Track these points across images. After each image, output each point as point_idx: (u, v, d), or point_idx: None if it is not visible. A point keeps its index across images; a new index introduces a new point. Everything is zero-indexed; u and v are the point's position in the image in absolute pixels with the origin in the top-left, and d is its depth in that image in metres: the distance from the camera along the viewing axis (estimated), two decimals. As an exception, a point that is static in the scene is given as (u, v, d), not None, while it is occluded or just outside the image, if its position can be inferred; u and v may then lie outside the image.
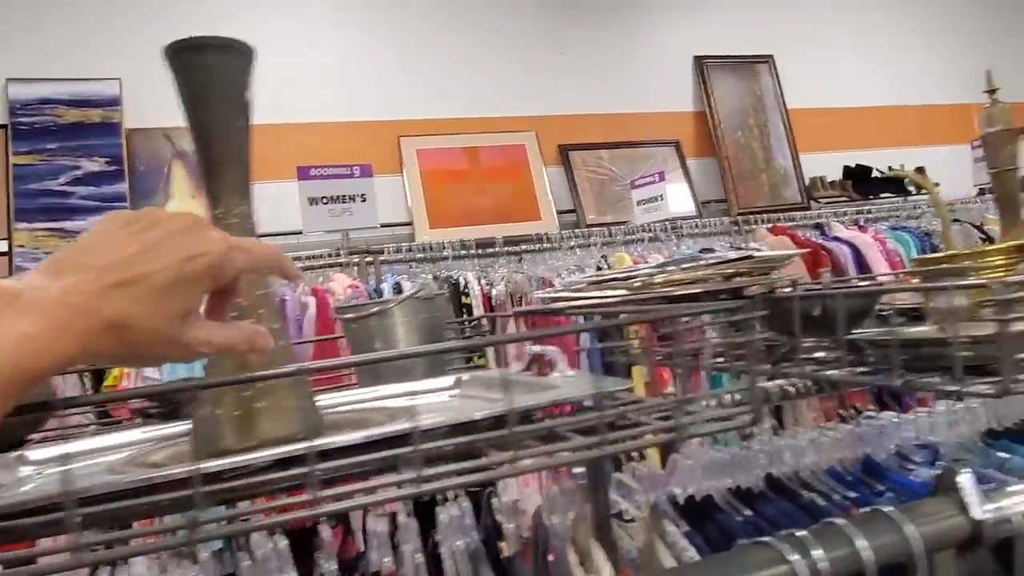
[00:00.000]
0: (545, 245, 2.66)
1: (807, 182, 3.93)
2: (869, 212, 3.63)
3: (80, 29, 3.15)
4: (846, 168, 3.90)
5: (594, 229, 2.83)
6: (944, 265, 0.62)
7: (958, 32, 4.52)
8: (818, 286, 0.80)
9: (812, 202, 3.85)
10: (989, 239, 3.01)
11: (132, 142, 3.25)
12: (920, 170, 3.90)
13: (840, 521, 0.43)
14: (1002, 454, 1.00)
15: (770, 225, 2.91)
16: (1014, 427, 1.07)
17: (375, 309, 0.71)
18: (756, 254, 0.72)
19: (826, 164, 4.00)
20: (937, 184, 3.93)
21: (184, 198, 3.29)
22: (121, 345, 0.38)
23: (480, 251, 2.59)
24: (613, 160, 3.94)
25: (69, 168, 3.17)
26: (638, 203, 2.89)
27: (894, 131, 4.12)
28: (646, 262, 2.43)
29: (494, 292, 2.18)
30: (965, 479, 0.43)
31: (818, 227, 3.17)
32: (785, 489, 0.92)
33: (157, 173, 3.30)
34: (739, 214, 3.61)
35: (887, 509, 0.44)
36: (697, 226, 2.83)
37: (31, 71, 3.11)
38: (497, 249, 2.55)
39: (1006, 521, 0.45)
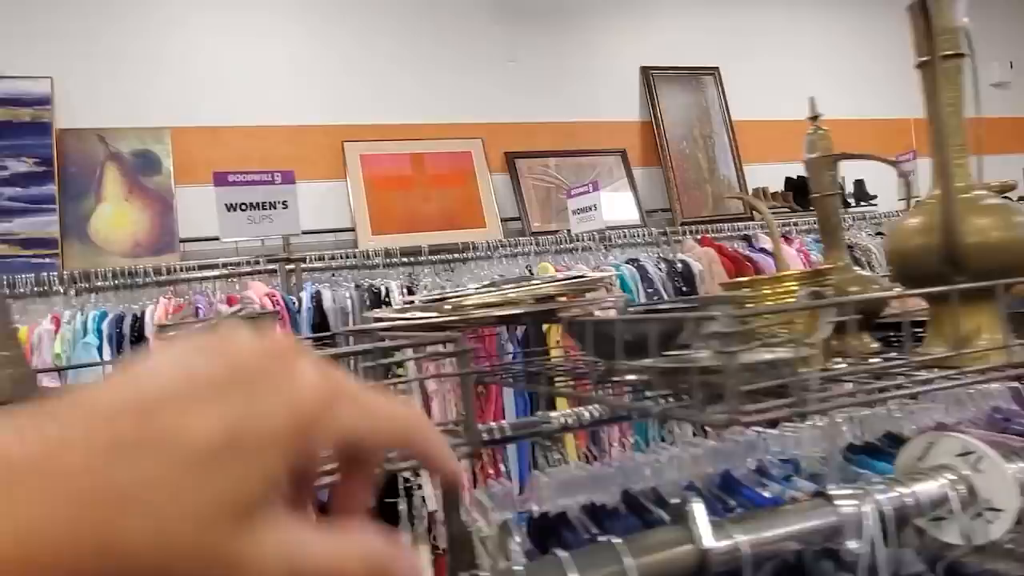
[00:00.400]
0: (473, 254, 2.65)
1: (750, 193, 3.98)
2: (811, 223, 3.68)
3: (9, 26, 3.08)
4: (788, 180, 3.96)
5: (523, 239, 2.83)
6: (744, 290, 0.62)
7: (901, 47, 4.60)
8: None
9: (755, 213, 3.90)
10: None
11: (63, 143, 3.17)
12: (859, 183, 3.98)
13: (562, 554, 0.43)
14: (859, 469, 1.01)
15: (699, 236, 2.94)
16: (875, 442, 1.09)
17: (197, 327, 0.69)
18: (577, 276, 0.72)
19: (770, 175, 4.05)
20: (874, 196, 4.02)
21: (117, 201, 3.22)
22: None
23: (408, 259, 2.57)
24: (560, 168, 3.96)
25: (-4, 168, 3.09)
26: (574, 212, 2.90)
27: (836, 144, 4.18)
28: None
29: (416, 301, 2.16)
30: (696, 509, 0.43)
31: (745, 239, 3.21)
32: (638, 506, 0.92)
33: (89, 175, 3.23)
34: (683, 223, 3.65)
35: (616, 540, 0.44)
36: (625, 236, 2.84)
37: (-44, 69, 3.03)
38: (423, 258, 2.53)
39: (735, 550, 0.45)
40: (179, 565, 0.22)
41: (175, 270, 2.44)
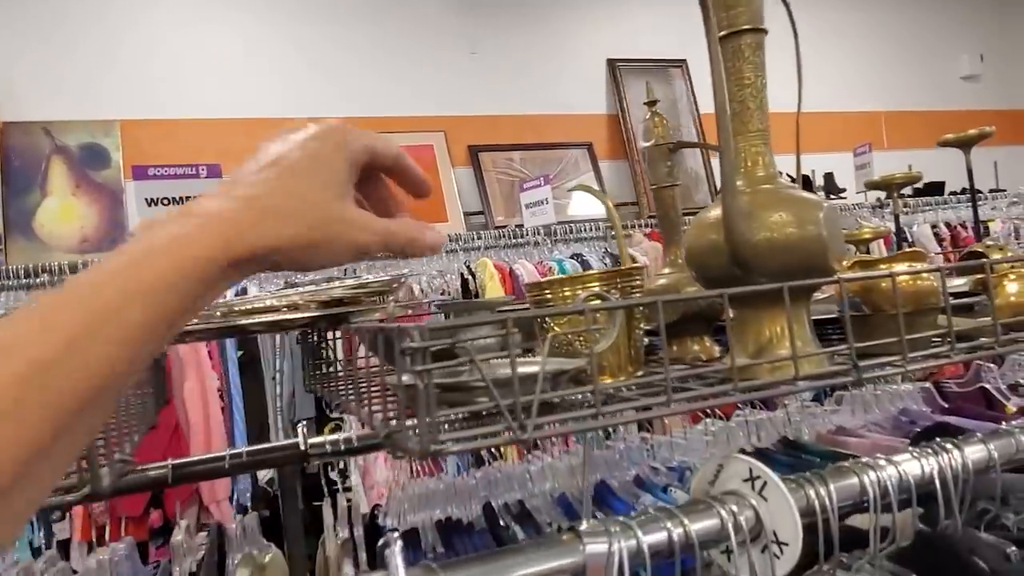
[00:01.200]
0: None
1: (718, 185, 3.92)
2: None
3: (-50, 16, 2.99)
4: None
5: (463, 233, 2.76)
6: (545, 292, 0.56)
7: (868, 43, 4.56)
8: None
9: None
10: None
11: (7, 136, 3.09)
12: (828, 176, 3.92)
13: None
14: (745, 479, 0.96)
15: (648, 230, 2.88)
16: (770, 448, 1.03)
17: None
18: (370, 280, 0.66)
19: (738, 169, 3.99)
20: (843, 190, 3.96)
21: (63, 195, 3.14)
22: (277, 231, 0.40)
23: None
24: (524, 162, 3.90)
25: (-64, 162, 3.01)
26: (526, 206, 2.83)
27: (806, 137, 4.13)
28: (511, 269, 2.37)
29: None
30: (393, 549, 0.37)
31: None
32: (495, 522, 0.86)
33: (34, 169, 3.15)
34: (650, 216, 3.58)
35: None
36: (572, 231, 2.78)
37: None
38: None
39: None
40: (317, 225, 0.42)
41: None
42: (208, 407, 1.81)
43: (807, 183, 3.87)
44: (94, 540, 1.89)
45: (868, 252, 3.15)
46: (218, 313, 0.57)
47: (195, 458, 0.79)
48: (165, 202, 2.09)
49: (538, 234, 2.69)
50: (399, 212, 0.52)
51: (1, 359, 0.31)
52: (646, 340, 0.77)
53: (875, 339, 0.51)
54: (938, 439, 0.55)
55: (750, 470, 0.46)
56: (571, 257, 2.52)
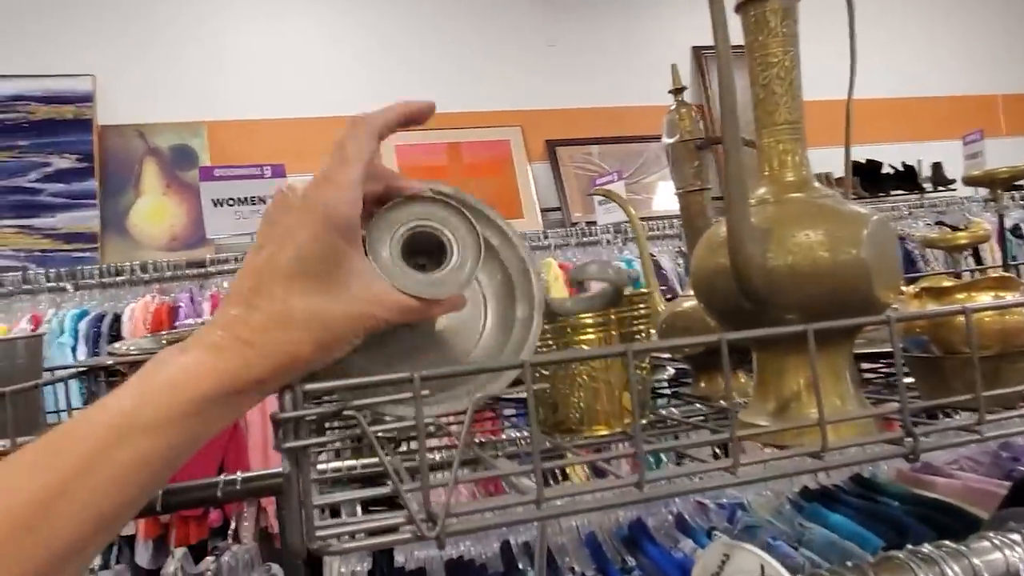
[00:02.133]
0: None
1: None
2: (878, 210, 3.33)
3: (53, 24, 3.16)
4: (854, 164, 3.61)
5: (529, 231, 2.67)
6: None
7: (981, 18, 4.12)
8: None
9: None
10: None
11: (104, 139, 3.24)
12: (937, 166, 3.60)
13: None
14: (807, 522, 0.82)
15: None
16: (831, 488, 0.89)
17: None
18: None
19: (835, 159, 3.71)
20: (952, 181, 3.61)
21: (155, 195, 3.28)
22: (274, 359, 0.36)
23: None
24: (603, 156, 3.78)
25: (39, 165, 3.19)
26: (599, 203, 2.72)
27: (908, 124, 3.79)
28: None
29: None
30: None
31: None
32: (512, 564, 0.77)
33: (128, 170, 3.29)
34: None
35: None
36: (660, 227, 2.63)
37: (3, 67, 3.13)
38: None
39: None
40: (321, 335, 0.37)
41: (163, 266, 2.43)
42: (266, 404, 1.80)
43: (911, 174, 3.55)
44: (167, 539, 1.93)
45: (978, 256, 2.84)
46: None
47: (186, 484, 0.74)
48: (230, 203, 2.12)
49: (608, 232, 2.57)
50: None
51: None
52: (669, 371, 0.66)
53: (945, 391, 0.38)
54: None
55: (762, 567, 0.35)
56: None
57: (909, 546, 0.40)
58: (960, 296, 0.44)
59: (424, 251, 0.42)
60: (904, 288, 0.47)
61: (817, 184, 0.43)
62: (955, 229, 2.98)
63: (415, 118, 0.45)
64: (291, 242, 0.37)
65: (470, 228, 0.42)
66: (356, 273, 0.38)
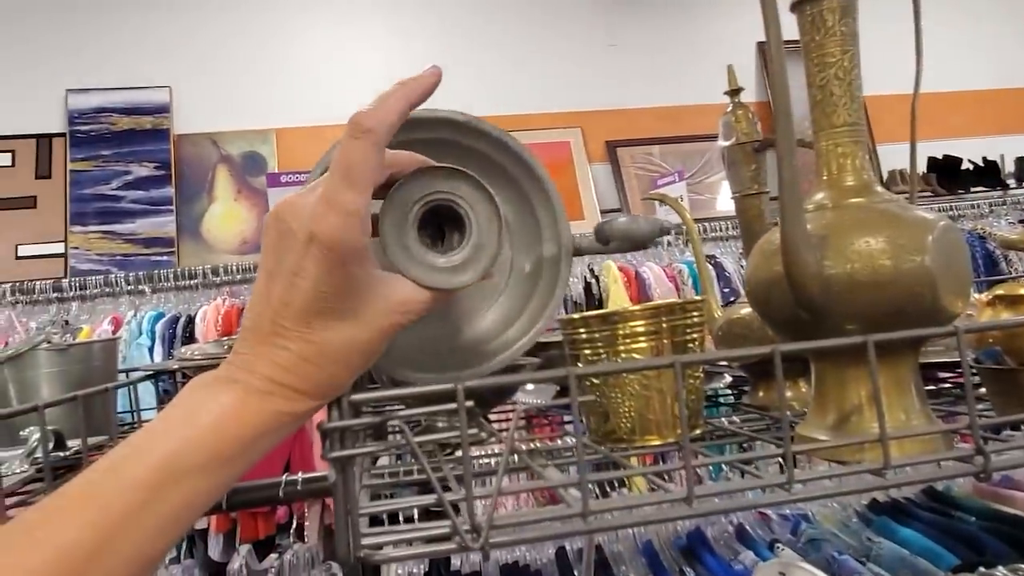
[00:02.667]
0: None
1: (885, 175, 3.52)
2: (960, 210, 3.18)
3: (131, 39, 3.32)
4: (930, 160, 3.45)
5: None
6: (580, 331, 0.46)
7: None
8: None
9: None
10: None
11: (180, 147, 3.39)
12: (1021, 160, 3.41)
13: None
14: (875, 537, 0.79)
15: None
16: (902, 500, 0.84)
17: (8, 353, 0.63)
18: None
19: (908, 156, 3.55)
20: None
21: (227, 201, 3.40)
22: (329, 374, 0.36)
23: None
24: (664, 156, 3.73)
25: (121, 173, 3.35)
26: (660, 204, 2.67)
27: (990, 117, 3.60)
28: (636, 272, 2.23)
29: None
30: None
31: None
32: (568, 570, 0.76)
33: (202, 177, 3.43)
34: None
35: None
36: (706, 231, 2.57)
37: (87, 81, 3.31)
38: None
39: None
40: (352, 359, 0.36)
41: (233, 269, 2.52)
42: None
43: (993, 170, 3.37)
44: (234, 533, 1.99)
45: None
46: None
47: (249, 484, 0.77)
48: (295, 208, 2.18)
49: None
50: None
51: (31, 549, 0.30)
52: (726, 379, 0.65)
53: (1019, 406, 0.36)
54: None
55: (819, 585, 0.34)
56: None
57: (982, 568, 0.38)
58: (1037, 305, 0.42)
59: (442, 219, 0.40)
60: (976, 295, 0.45)
61: (879, 188, 0.41)
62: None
63: (423, 96, 0.42)
64: (301, 281, 0.36)
65: (485, 196, 0.39)
66: (374, 291, 0.37)
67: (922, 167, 3.52)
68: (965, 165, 3.42)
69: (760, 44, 3.73)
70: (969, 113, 3.62)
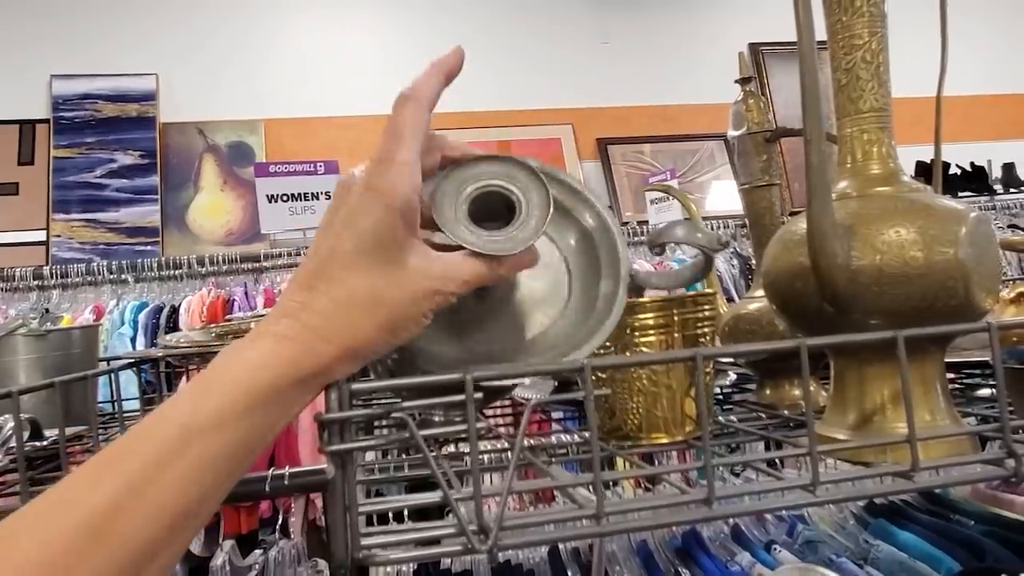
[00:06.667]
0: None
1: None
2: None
3: (118, 25, 3.26)
4: (919, 163, 3.47)
5: None
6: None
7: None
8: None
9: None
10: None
11: (166, 136, 3.33)
12: (1008, 167, 3.43)
13: None
14: (872, 539, 0.78)
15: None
16: (900, 503, 0.83)
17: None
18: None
19: (905, 158, 3.57)
20: (1027, 183, 3.43)
21: (213, 191, 3.35)
22: (355, 324, 0.36)
23: None
24: (655, 154, 3.72)
25: (105, 161, 3.29)
26: (651, 202, 2.66)
27: (977, 123, 3.63)
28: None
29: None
30: None
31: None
32: (560, 570, 0.74)
33: (188, 166, 3.38)
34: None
35: None
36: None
37: (73, 67, 3.24)
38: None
39: None
40: (386, 317, 0.36)
41: (219, 260, 2.49)
42: (317, 404, 1.81)
43: (981, 175, 3.39)
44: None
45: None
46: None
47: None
48: (284, 199, 2.14)
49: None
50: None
51: (58, 513, 0.31)
52: (732, 376, 0.63)
53: (1048, 408, 0.35)
54: None
55: (840, 593, 0.32)
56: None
57: (1005, 574, 0.36)
58: (1064, 303, 0.40)
59: (494, 216, 0.40)
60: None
61: (907, 178, 0.39)
62: (1032, 233, 2.83)
63: (454, 72, 0.45)
64: (352, 225, 0.37)
65: (540, 185, 0.40)
66: (418, 253, 0.38)
67: (910, 170, 3.54)
68: (953, 170, 3.43)
69: (752, 45, 3.73)
70: (958, 118, 3.64)
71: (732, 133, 0.60)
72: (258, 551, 0.87)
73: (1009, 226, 2.82)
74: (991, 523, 0.79)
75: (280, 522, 1.61)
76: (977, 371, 0.60)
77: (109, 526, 0.30)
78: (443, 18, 3.48)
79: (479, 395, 0.28)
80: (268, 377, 0.34)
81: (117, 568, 0.30)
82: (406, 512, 0.80)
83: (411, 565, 0.74)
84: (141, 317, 2.14)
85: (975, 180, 3.38)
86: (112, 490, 0.31)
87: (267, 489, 0.75)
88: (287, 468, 0.77)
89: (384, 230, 0.37)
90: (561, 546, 0.76)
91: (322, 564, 0.83)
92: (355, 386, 0.29)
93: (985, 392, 0.54)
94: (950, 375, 0.58)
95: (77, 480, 0.32)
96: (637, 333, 0.43)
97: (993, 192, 3.35)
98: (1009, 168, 3.38)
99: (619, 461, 0.44)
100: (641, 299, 0.44)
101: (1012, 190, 3.34)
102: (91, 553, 0.30)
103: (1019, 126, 3.58)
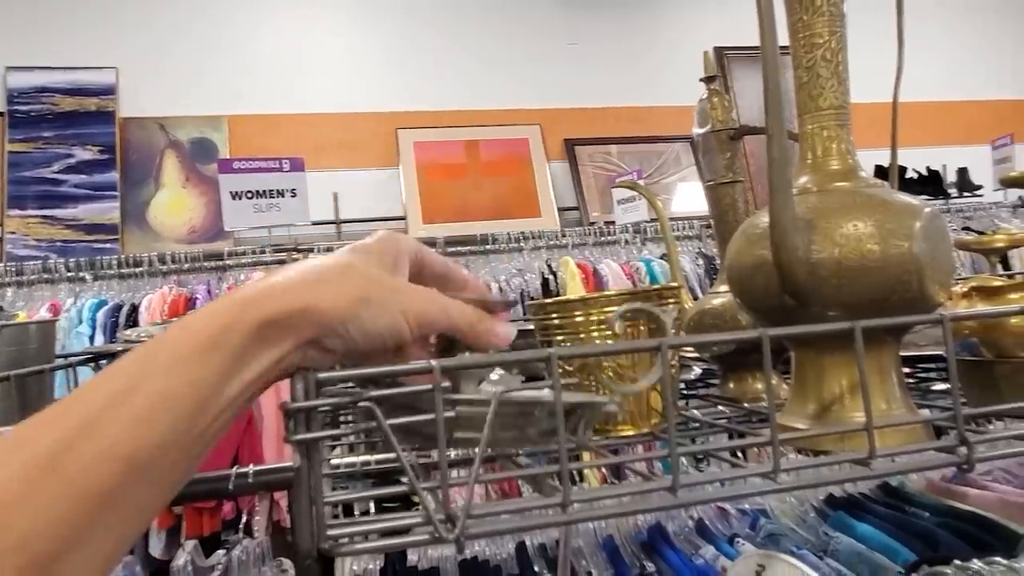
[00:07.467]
0: (491, 246, 2.49)
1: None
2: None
3: (78, 18, 3.18)
4: (877, 167, 3.55)
5: (547, 231, 2.64)
6: (552, 315, 0.44)
7: (1006, 24, 4.05)
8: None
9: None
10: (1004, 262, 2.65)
11: (126, 131, 3.26)
12: (962, 171, 3.54)
13: None
14: (832, 532, 0.79)
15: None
16: (858, 496, 0.85)
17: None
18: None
19: (863, 162, 3.65)
20: (980, 187, 3.54)
21: (175, 188, 3.29)
22: (316, 291, 0.36)
23: (461, 249, 2.46)
24: (622, 156, 3.76)
25: (63, 156, 3.21)
26: (618, 202, 2.69)
27: (933, 129, 3.73)
28: (595, 269, 2.24)
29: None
30: None
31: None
32: (527, 565, 0.75)
33: (149, 162, 3.31)
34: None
35: None
36: (658, 232, 2.59)
37: (30, 59, 3.16)
38: (439, 250, 2.40)
39: None
40: (364, 285, 0.37)
41: (181, 258, 2.44)
42: (283, 397, 1.79)
43: (936, 179, 3.49)
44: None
45: (1006, 263, 2.78)
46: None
47: (197, 476, 0.73)
48: (248, 195, 2.11)
49: (627, 232, 2.54)
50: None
51: (10, 450, 0.31)
52: (696, 371, 0.64)
53: (995, 397, 0.36)
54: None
55: (800, 578, 0.33)
56: (661, 257, 2.35)
57: (956, 561, 0.37)
58: (1014, 296, 0.42)
59: None
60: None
61: (864, 174, 0.40)
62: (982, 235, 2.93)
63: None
64: (368, 243, 0.41)
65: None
66: (405, 279, 0.40)
67: (869, 173, 3.63)
68: (910, 174, 3.53)
69: (717, 49, 3.78)
70: (915, 124, 3.74)
71: (697, 130, 0.61)
72: (221, 551, 0.86)
73: (963, 228, 2.90)
74: (945, 515, 0.81)
75: (245, 523, 1.59)
76: (930, 365, 0.61)
77: (60, 460, 0.30)
78: (411, 19, 3.47)
79: (447, 384, 0.28)
80: (221, 320, 0.34)
81: (68, 504, 0.30)
82: (373, 506, 0.79)
83: (378, 562, 0.74)
84: (100, 315, 2.09)
85: (931, 184, 3.48)
86: (64, 427, 0.31)
87: (231, 487, 0.74)
88: (251, 466, 0.76)
89: (389, 246, 0.40)
90: (528, 541, 0.76)
91: (287, 563, 0.82)
92: (321, 375, 0.29)
93: (939, 386, 0.56)
94: (905, 369, 0.60)
95: (32, 422, 0.32)
96: (603, 326, 0.44)
97: (948, 196, 3.44)
98: (963, 172, 3.49)
99: (585, 454, 0.45)
100: (607, 292, 0.44)
101: (966, 194, 3.44)
102: (42, 485, 0.30)
103: (973, 132, 3.69)
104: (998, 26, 4.07)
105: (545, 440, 0.33)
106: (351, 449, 0.57)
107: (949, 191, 3.45)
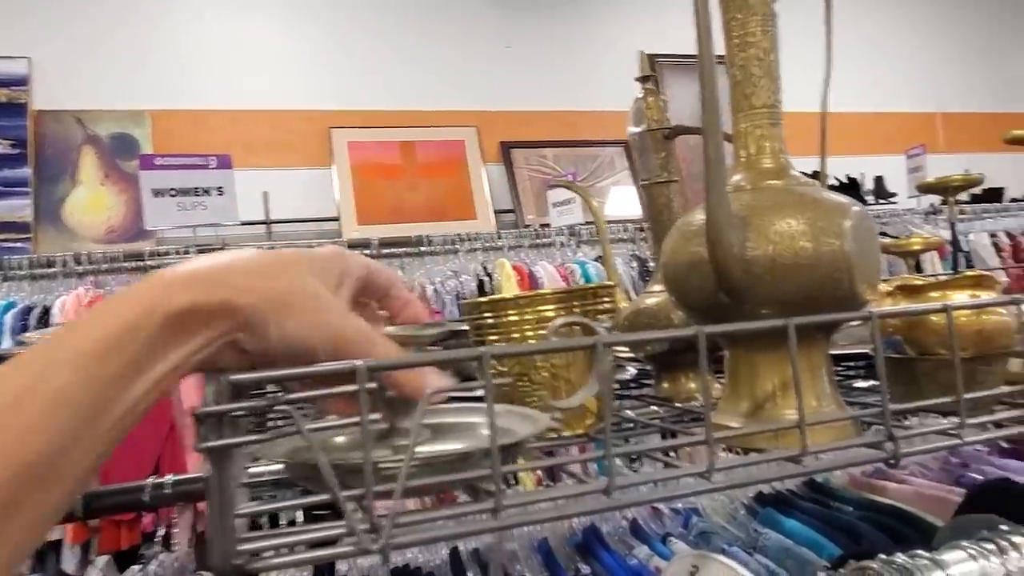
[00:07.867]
0: (427, 248, 2.47)
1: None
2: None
3: (-15, 5, 2.99)
4: (812, 175, 3.70)
5: (483, 233, 2.64)
6: (486, 315, 0.43)
7: (929, 37, 4.29)
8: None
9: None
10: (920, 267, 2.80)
11: (40, 124, 3.09)
12: (879, 179, 3.70)
13: None
14: (761, 528, 0.81)
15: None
16: (786, 492, 0.87)
17: None
18: None
19: (785, 170, 3.78)
20: (895, 194, 3.72)
21: (93, 185, 3.13)
22: (231, 284, 0.34)
23: (398, 251, 2.42)
24: (558, 159, 3.78)
25: (-30, 150, 3.02)
26: (553, 205, 2.70)
27: (851, 139, 3.91)
28: (530, 271, 2.24)
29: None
30: None
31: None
32: (460, 571, 0.73)
33: (65, 158, 3.14)
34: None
35: None
36: (593, 235, 2.63)
37: (-69, 46, 2.96)
38: (373, 252, 2.36)
39: None
40: (285, 288, 0.35)
41: (98, 258, 2.33)
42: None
43: (855, 187, 3.65)
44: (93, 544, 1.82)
45: (918, 266, 2.93)
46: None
47: (110, 487, 0.68)
48: (172, 193, 2.02)
49: (562, 234, 2.55)
50: None
51: None
52: (631, 371, 0.64)
53: (918, 394, 0.37)
54: (1004, 532, 0.40)
55: (734, 578, 0.32)
56: (596, 260, 2.37)
57: (882, 556, 0.38)
58: (935, 295, 0.43)
59: None
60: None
61: (796, 172, 0.41)
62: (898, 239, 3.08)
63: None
64: (311, 251, 0.39)
65: None
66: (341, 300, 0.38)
67: (795, 181, 3.76)
68: (831, 181, 3.68)
69: (650, 56, 3.86)
70: (834, 134, 3.88)
71: (632, 129, 0.61)
72: (136, 567, 0.81)
73: (880, 234, 3.04)
74: (867, 508, 0.84)
75: (164, 535, 1.51)
76: (851, 363, 0.63)
77: None
78: (342, 17, 3.41)
79: (372, 385, 0.26)
80: (128, 314, 0.33)
81: None
82: (302, 515, 0.76)
83: (305, 574, 0.71)
84: (8, 318, 1.96)
85: (849, 191, 3.63)
86: None
87: (146, 499, 0.70)
88: (169, 476, 0.73)
89: (331, 261, 0.38)
90: (461, 547, 0.75)
91: (208, 577, 0.77)
92: (234, 377, 0.27)
93: (860, 384, 0.57)
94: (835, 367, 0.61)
95: None
96: (538, 325, 0.43)
97: (865, 202, 3.61)
98: (879, 180, 3.65)
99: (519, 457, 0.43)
100: (542, 291, 0.43)
101: (882, 201, 3.61)
102: None
103: (890, 142, 3.87)
104: (915, 41, 4.29)
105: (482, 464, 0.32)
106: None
107: (866, 198, 3.61)
